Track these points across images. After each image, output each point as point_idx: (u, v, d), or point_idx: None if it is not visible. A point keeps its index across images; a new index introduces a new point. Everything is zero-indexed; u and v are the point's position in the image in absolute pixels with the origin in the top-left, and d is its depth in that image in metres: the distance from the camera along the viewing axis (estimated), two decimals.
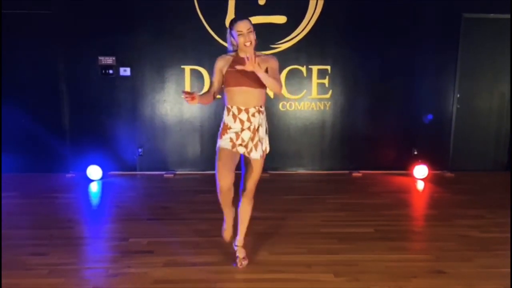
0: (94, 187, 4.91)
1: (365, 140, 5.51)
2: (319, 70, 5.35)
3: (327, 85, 5.38)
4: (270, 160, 5.29)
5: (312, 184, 5.13)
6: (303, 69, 5.32)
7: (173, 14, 5.18)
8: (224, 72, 2.71)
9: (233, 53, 2.78)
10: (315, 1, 5.20)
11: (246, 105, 2.68)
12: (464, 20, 5.30)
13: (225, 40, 5.17)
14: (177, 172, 5.49)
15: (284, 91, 5.33)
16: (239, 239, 2.97)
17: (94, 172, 5.17)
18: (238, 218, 2.95)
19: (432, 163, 5.38)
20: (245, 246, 3.00)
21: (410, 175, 5.34)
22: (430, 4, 5.24)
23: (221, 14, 5.19)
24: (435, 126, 5.53)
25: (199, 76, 5.30)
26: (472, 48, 5.40)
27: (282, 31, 5.25)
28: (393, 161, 5.55)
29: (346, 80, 5.40)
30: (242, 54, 2.73)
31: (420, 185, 5.04)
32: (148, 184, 5.07)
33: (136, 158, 5.47)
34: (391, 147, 5.55)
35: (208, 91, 2.83)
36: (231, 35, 2.72)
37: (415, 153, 5.50)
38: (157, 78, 5.32)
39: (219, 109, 5.37)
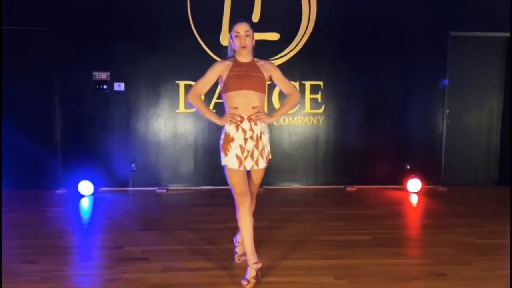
0: (86, 202, 4.81)
1: (359, 155, 5.53)
2: (312, 86, 5.43)
3: (320, 100, 5.45)
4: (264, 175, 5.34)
5: (307, 197, 5.10)
6: (296, 84, 5.39)
7: (168, 30, 5.26)
8: (224, 76, 2.69)
9: (232, 59, 2.78)
10: (307, 19, 5.34)
11: (247, 110, 2.64)
12: (450, 38, 5.46)
13: (219, 56, 5.30)
14: (170, 188, 5.43)
15: (278, 106, 5.37)
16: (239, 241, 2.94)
17: (85, 187, 5.08)
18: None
19: (425, 178, 5.41)
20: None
21: (404, 189, 5.35)
22: (418, 22, 5.40)
23: (216, 31, 5.29)
24: (426, 141, 5.60)
25: None
26: (459, 65, 5.54)
27: (275, 48, 5.35)
28: (387, 175, 5.57)
29: (339, 96, 5.48)
30: (240, 59, 2.74)
31: (414, 198, 5.05)
32: (140, 199, 4.99)
33: (129, 173, 5.41)
34: (384, 162, 5.58)
35: (195, 93, 2.72)
36: (231, 37, 2.75)
37: (408, 167, 5.53)
38: (151, 93, 5.34)
39: (212, 123, 5.36)
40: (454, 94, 5.58)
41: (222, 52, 5.21)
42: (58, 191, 5.23)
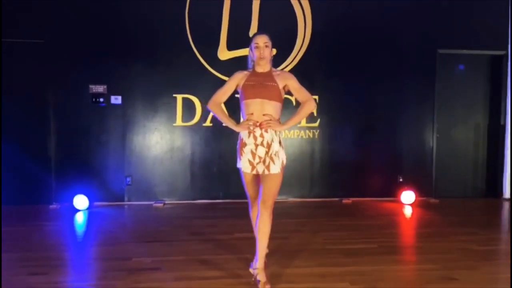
0: (82, 216, 4.71)
1: (353, 168, 5.63)
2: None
3: (315, 114, 5.56)
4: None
5: (305, 209, 5.14)
6: (292, 98, 5.47)
7: (166, 44, 5.29)
8: (241, 85, 2.78)
9: (250, 69, 2.86)
10: (302, 35, 5.48)
11: (260, 118, 2.71)
12: (438, 55, 5.70)
13: (216, 70, 5.39)
14: (167, 202, 5.38)
15: None
16: (259, 261, 2.75)
17: (80, 202, 4.98)
18: (257, 236, 2.80)
19: (417, 190, 5.53)
20: (266, 268, 2.81)
21: (398, 201, 5.46)
22: (409, 41, 5.61)
23: (214, 46, 5.36)
24: (418, 154, 5.75)
25: (191, 104, 5.35)
26: (447, 82, 5.76)
27: (272, 63, 5.44)
28: (380, 188, 5.67)
29: (334, 110, 5.60)
30: (258, 69, 2.82)
31: (409, 210, 5.15)
32: (138, 213, 4.92)
33: (125, 188, 5.34)
34: (378, 175, 5.69)
35: (215, 102, 2.83)
36: (250, 48, 2.82)
37: (401, 180, 5.66)
38: (148, 107, 5.33)
39: (209, 137, 5.41)
40: (442, 109, 5.78)
41: (220, 66, 5.31)
42: (52, 206, 5.10)
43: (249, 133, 2.73)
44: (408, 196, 5.40)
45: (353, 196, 5.61)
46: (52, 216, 4.69)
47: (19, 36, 5.05)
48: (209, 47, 5.35)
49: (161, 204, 5.28)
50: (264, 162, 2.72)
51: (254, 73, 2.81)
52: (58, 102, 5.19)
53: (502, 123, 5.84)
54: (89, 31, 5.17)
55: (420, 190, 5.59)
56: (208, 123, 5.37)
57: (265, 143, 2.73)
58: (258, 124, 2.71)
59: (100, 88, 5.23)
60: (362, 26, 5.55)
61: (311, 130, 5.59)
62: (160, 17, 5.26)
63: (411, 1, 5.58)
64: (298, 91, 2.89)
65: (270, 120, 2.73)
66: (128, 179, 5.34)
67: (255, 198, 2.90)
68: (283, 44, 5.46)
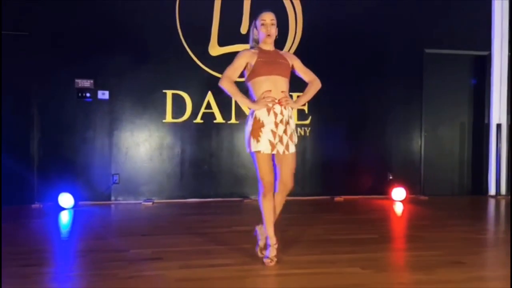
0: (69, 215, 4.49)
1: (344, 166, 5.63)
2: (299, 97, 5.50)
3: (306, 111, 5.55)
4: (248, 186, 5.28)
5: (299, 206, 5.05)
6: None
7: (156, 39, 5.19)
8: (253, 62, 2.71)
9: (255, 48, 2.81)
10: (293, 33, 5.49)
11: (277, 94, 2.67)
12: (425, 55, 5.81)
13: (207, 66, 5.31)
14: (156, 201, 5.21)
15: None
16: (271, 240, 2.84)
17: (66, 200, 4.76)
18: (272, 211, 2.87)
19: (406, 188, 5.55)
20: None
21: (389, 198, 5.48)
22: (397, 41, 5.71)
23: (204, 41, 5.29)
24: (407, 153, 5.81)
25: (181, 100, 5.24)
26: (434, 81, 5.88)
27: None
28: (371, 186, 5.69)
29: (325, 108, 5.59)
30: (265, 47, 2.79)
31: (402, 206, 5.17)
32: (128, 211, 4.74)
33: (111, 186, 5.14)
34: (368, 173, 5.71)
35: (228, 79, 2.72)
36: (255, 26, 2.78)
37: (390, 178, 5.69)
38: (137, 102, 5.19)
39: (200, 134, 5.30)
40: (429, 108, 5.87)
41: (211, 62, 5.24)
42: (34, 205, 4.86)
43: (268, 110, 2.64)
44: (399, 193, 5.42)
45: (345, 194, 5.59)
46: (37, 215, 4.47)
47: (3, 27, 4.83)
48: (200, 42, 5.28)
49: (150, 203, 5.11)
50: (281, 142, 2.67)
51: (263, 51, 2.78)
52: (42, 96, 4.99)
53: (486, 122, 5.98)
54: (76, 23, 5.02)
55: (409, 188, 5.63)
56: (199, 119, 5.27)
57: (284, 120, 2.68)
58: (277, 101, 2.64)
59: (86, 83, 5.06)
60: (351, 26, 5.62)
61: (303, 128, 5.57)
62: (150, 11, 5.16)
63: (399, 2, 5.69)
64: (305, 72, 2.93)
65: (287, 97, 2.71)
66: (115, 177, 5.15)
67: (272, 183, 2.75)
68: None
